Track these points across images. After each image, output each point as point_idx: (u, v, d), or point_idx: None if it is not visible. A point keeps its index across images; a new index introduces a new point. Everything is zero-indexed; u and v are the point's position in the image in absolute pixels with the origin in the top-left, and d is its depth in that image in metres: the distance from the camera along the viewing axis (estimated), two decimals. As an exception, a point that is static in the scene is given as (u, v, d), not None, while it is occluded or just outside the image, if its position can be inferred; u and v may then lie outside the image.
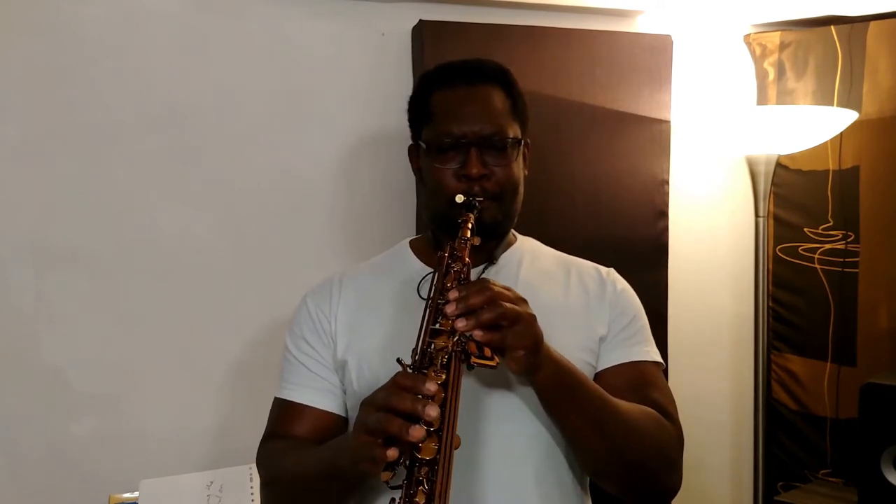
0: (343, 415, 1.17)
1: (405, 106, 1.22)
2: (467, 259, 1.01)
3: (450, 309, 0.89)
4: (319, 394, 1.15)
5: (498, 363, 0.90)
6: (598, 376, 1.14)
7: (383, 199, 1.82)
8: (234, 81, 1.69)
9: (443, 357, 0.88)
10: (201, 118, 1.67)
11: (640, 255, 1.95)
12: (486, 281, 0.93)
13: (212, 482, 1.58)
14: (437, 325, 0.92)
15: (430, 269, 1.15)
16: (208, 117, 1.68)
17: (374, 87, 1.79)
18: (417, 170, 1.21)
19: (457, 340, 0.89)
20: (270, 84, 1.72)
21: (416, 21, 1.76)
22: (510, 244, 1.22)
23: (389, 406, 0.83)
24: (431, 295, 0.98)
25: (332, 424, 1.15)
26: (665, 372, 1.97)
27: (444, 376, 0.86)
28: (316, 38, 1.74)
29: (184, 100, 1.66)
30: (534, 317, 0.94)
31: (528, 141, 1.19)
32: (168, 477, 1.57)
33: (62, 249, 1.60)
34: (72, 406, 1.61)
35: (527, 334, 0.92)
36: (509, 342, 0.90)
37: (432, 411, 0.81)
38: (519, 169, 1.15)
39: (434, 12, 1.78)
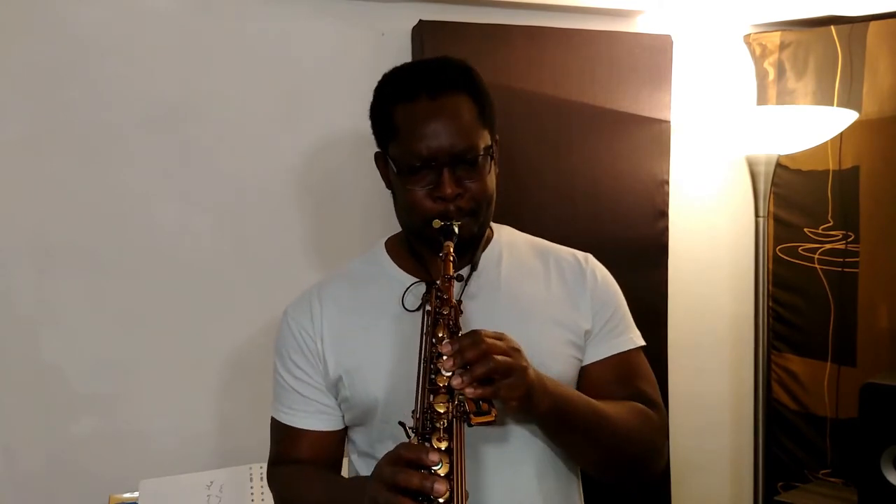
0: (341, 427, 1.17)
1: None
2: (454, 301, 1.00)
3: (447, 364, 0.90)
4: (315, 417, 1.15)
5: (496, 415, 0.91)
6: (587, 370, 1.16)
7: (383, 198, 1.79)
8: (234, 81, 1.69)
9: (444, 422, 0.90)
10: (201, 118, 1.67)
11: (640, 255, 1.95)
12: (478, 333, 0.93)
13: (212, 482, 1.58)
14: (432, 378, 0.93)
15: (410, 278, 1.14)
16: (208, 117, 1.68)
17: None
18: (386, 178, 1.16)
19: (456, 404, 0.91)
20: (270, 84, 1.72)
21: (416, 21, 1.76)
22: (488, 240, 1.20)
23: (398, 485, 0.84)
24: (423, 350, 0.98)
25: (332, 442, 1.17)
26: (665, 372, 1.99)
27: (446, 444, 0.88)
28: (316, 38, 1.74)
29: (184, 100, 1.66)
30: (525, 368, 0.94)
31: (497, 138, 1.14)
32: (168, 477, 1.58)
33: (62, 249, 1.60)
34: (72, 406, 1.61)
35: (519, 385, 0.92)
36: (502, 395, 0.91)
37: (441, 487, 0.83)
38: (492, 177, 1.11)
39: (434, 12, 1.78)
